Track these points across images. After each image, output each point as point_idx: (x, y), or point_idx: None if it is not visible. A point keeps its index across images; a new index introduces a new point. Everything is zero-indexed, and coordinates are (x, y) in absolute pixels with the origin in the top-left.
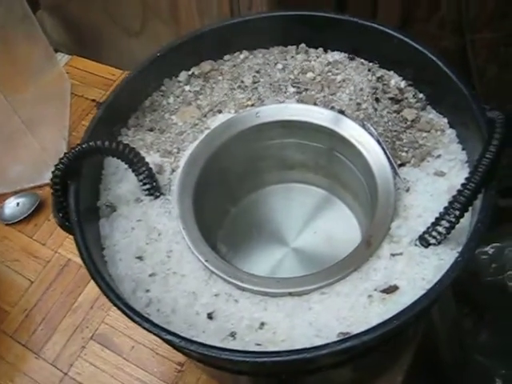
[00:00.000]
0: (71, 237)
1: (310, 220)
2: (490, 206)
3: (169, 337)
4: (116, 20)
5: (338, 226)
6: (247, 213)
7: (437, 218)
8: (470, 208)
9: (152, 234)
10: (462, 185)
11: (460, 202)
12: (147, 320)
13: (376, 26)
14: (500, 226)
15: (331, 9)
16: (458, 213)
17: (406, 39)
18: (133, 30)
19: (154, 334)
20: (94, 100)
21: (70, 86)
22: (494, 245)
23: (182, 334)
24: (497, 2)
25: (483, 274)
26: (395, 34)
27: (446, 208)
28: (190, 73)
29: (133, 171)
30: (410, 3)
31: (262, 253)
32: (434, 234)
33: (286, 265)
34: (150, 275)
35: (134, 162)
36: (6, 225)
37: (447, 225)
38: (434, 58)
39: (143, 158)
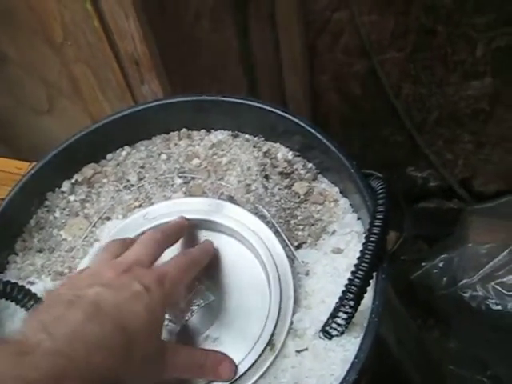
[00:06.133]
0: None
1: None
2: (383, 293)
3: None
4: (22, 101)
5: None
6: None
7: (334, 309)
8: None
9: None
10: (352, 272)
11: (352, 292)
12: None
13: (250, 103)
14: (447, 231)
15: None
16: (352, 303)
17: (282, 113)
18: (42, 109)
19: None
20: (3, 199)
21: None
22: (443, 257)
23: None
24: (395, 21)
25: (437, 287)
26: (271, 109)
27: (340, 298)
28: (72, 181)
29: (21, 307)
30: (312, 33)
31: None
32: (334, 325)
33: None
34: None
35: (19, 299)
36: None
37: (345, 316)
38: (311, 130)
39: (29, 291)
